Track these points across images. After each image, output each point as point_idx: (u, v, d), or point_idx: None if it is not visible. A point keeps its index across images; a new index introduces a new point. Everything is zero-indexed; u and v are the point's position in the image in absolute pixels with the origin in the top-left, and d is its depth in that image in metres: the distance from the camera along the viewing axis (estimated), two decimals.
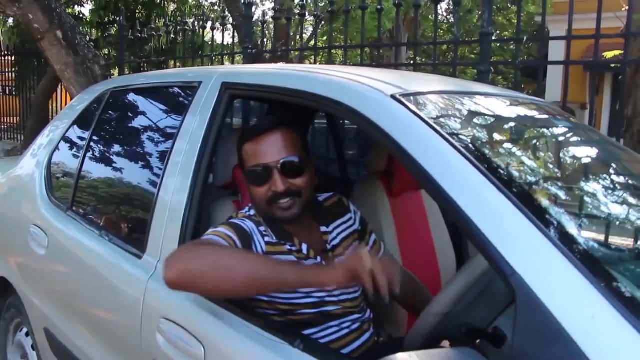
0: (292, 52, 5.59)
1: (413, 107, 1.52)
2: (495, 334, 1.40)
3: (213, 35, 5.66)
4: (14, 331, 3.07)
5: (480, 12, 14.98)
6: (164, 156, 2.12)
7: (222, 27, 5.63)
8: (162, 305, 1.82)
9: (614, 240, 1.49)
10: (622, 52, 3.32)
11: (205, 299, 1.67)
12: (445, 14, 20.14)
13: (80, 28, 8.40)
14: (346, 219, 1.98)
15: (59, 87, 8.83)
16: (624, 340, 1.03)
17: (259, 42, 7.18)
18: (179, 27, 6.16)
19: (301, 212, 1.79)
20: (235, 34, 6.05)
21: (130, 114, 2.77)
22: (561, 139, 2.07)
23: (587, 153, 2.07)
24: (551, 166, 1.81)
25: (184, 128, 2.06)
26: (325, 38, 16.56)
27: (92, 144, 2.69)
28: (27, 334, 2.88)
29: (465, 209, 1.26)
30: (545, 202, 1.40)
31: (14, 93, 11.20)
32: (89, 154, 2.67)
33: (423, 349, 1.45)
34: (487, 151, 1.57)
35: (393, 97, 1.56)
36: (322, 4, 11.19)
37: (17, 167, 3.18)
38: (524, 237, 1.19)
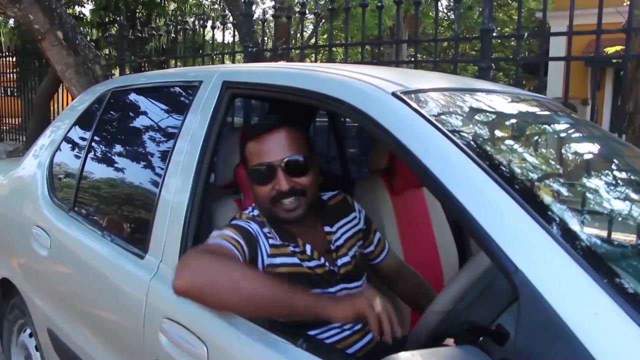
0: (293, 50, 5.58)
1: (414, 105, 1.51)
2: (498, 331, 1.40)
3: (213, 34, 5.66)
4: (17, 332, 3.08)
5: (480, 9, 14.96)
6: (165, 156, 2.12)
7: (222, 26, 5.63)
8: (165, 305, 1.82)
9: (617, 236, 1.48)
10: (624, 47, 3.31)
11: None
12: (445, 10, 20.10)
13: (81, 28, 8.41)
14: (350, 218, 1.97)
15: (60, 87, 8.84)
16: (627, 337, 1.03)
17: (260, 41, 7.17)
18: (179, 27, 6.17)
19: (306, 213, 1.77)
20: (236, 33, 6.05)
21: (131, 114, 2.77)
22: (563, 135, 2.07)
23: (589, 149, 2.07)
24: (553, 162, 1.81)
25: (185, 128, 2.06)
26: (325, 36, 16.54)
27: (93, 144, 2.69)
28: (30, 335, 2.89)
29: (467, 207, 1.25)
30: (547, 198, 1.40)
31: (15, 94, 11.21)
32: (91, 155, 2.67)
33: (426, 347, 1.44)
34: (488, 148, 1.57)
35: (394, 94, 1.55)
36: (322, 2, 11.18)
37: (19, 167, 3.18)
38: (526, 234, 1.19)
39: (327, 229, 1.88)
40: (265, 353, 1.46)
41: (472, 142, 1.49)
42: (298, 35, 7.34)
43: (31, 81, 10.23)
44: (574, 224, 1.32)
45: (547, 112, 2.14)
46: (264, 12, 5.39)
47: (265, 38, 7.43)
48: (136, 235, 2.24)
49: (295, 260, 1.75)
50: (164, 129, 2.35)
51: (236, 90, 2.01)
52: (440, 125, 1.44)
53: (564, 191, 1.55)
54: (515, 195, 1.25)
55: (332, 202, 1.98)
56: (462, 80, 2.37)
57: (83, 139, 2.78)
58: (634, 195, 1.80)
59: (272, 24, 5.99)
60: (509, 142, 1.77)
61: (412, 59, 5.57)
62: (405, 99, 1.53)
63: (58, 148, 2.93)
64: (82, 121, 2.87)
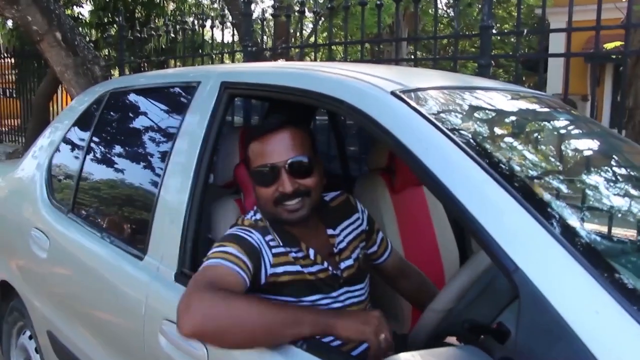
0: (293, 49, 5.58)
1: (413, 104, 1.51)
2: (499, 329, 1.40)
3: (213, 34, 5.65)
4: (17, 334, 3.07)
5: (480, 6, 14.95)
6: (164, 156, 2.11)
7: (221, 26, 5.62)
8: (164, 307, 1.81)
9: (617, 233, 1.48)
10: (623, 43, 3.31)
11: None
12: (445, 7, 20.10)
13: (80, 29, 8.41)
14: (353, 220, 1.93)
15: (59, 88, 8.83)
16: (628, 336, 1.03)
17: (259, 40, 7.16)
18: (178, 26, 6.16)
19: (310, 214, 1.73)
20: (235, 32, 6.04)
21: (130, 115, 2.77)
22: (562, 132, 2.06)
23: (588, 146, 2.06)
24: (553, 160, 1.80)
25: (184, 128, 2.05)
26: (325, 34, 16.53)
27: (92, 145, 2.68)
28: (30, 337, 2.88)
29: (467, 205, 1.25)
30: (547, 196, 1.40)
31: (14, 95, 11.20)
32: (90, 156, 2.67)
33: (427, 346, 1.44)
34: (488, 146, 1.56)
35: (393, 93, 1.55)
36: (321, 1, 11.18)
37: (18, 169, 3.18)
38: (526, 233, 1.18)
39: (329, 231, 1.84)
40: (266, 354, 1.45)
41: (471, 141, 1.48)
42: (297, 34, 7.34)
43: (30, 82, 10.23)
44: (574, 221, 1.31)
45: (546, 109, 2.13)
46: (263, 11, 5.39)
47: (265, 37, 7.43)
48: (135, 236, 2.24)
49: (297, 267, 1.70)
50: (163, 129, 2.35)
51: (235, 90, 2.00)
52: (439, 124, 1.43)
53: (564, 189, 1.55)
54: (515, 193, 1.24)
55: (335, 203, 1.94)
56: (461, 78, 2.36)
57: (82, 140, 2.78)
58: (633, 192, 1.79)
59: (271, 23, 5.97)
60: (508, 140, 1.76)
61: (412, 57, 5.56)
62: (404, 98, 1.53)
63: (57, 149, 2.93)
64: (81, 122, 2.87)
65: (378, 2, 4.25)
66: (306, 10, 4.92)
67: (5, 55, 10.83)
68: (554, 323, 1.05)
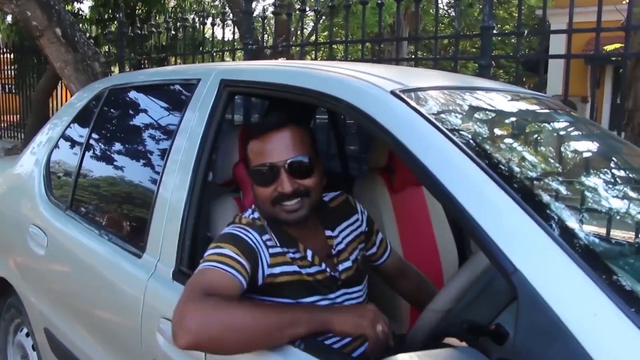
0: (293, 47, 5.57)
1: (413, 103, 1.50)
2: (497, 331, 1.40)
3: (213, 32, 5.65)
4: (14, 332, 3.07)
5: (481, 6, 14.94)
6: (163, 154, 2.11)
7: (222, 23, 5.61)
8: (162, 305, 1.81)
9: (616, 236, 1.48)
10: (623, 45, 3.31)
11: None
12: (446, 7, 20.11)
13: (80, 25, 8.38)
14: (352, 221, 1.91)
15: (59, 84, 8.82)
16: (626, 338, 1.03)
17: (260, 38, 7.16)
18: (179, 24, 6.14)
19: (309, 214, 1.70)
20: (236, 30, 6.04)
21: (129, 112, 2.76)
22: (562, 133, 2.06)
23: (588, 147, 2.06)
24: (552, 161, 1.80)
25: (183, 125, 2.05)
26: (326, 33, 16.53)
27: (91, 142, 2.68)
28: (27, 335, 2.88)
29: (466, 206, 1.25)
30: (546, 198, 1.39)
31: (13, 91, 11.18)
32: (88, 152, 2.66)
33: (425, 346, 1.44)
34: (488, 147, 1.56)
35: (393, 93, 1.54)
36: None
37: (17, 165, 3.17)
38: (525, 234, 1.18)
39: (328, 233, 1.82)
40: (263, 353, 1.44)
41: (471, 141, 1.48)
42: (298, 32, 7.33)
43: (29, 78, 10.21)
44: (573, 223, 1.31)
45: (546, 111, 2.13)
46: (264, 9, 5.38)
47: (266, 35, 7.42)
48: (134, 233, 2.23)
49: (294, 268, 1.69)
50: (162, 126, 2.34)
51: (234, 88, 2.00)
52: (439, 124, 1.43)
53: (563, 190, 1.54)
54: (514, 195, 1.24)
55: (334, 204, 1.92)
56: (461, 79, 2.36)
57: (81, 136, 2.77)
58: (632, 194, 1.79)
59: (272, 21, 5.97)
60: (508, 140, 1.76)
61: (413, 57, 5.56)
62: (404, 98, 1.52)
63: (56, 146, 2.92)
64: (80, 119, 2.86)
65: (379, 1, 4.25)
66: (307, 8, 4.90)
67: (5, 50, 10.80)
68: (552, 325, 1.05)
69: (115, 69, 7.01)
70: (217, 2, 17.89)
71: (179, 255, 1.86)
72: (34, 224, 2.71)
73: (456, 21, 5.18)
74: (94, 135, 2.70)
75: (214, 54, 6.09)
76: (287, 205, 1.66)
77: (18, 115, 10.96)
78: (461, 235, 2.63)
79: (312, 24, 16.60)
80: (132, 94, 2.72)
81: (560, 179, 1.61)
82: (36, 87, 9.38)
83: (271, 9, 5.04)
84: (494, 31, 3.74)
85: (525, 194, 1.30)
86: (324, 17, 12.73)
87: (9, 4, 5.77)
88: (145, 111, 2.59)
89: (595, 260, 1.17)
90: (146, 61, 6.86)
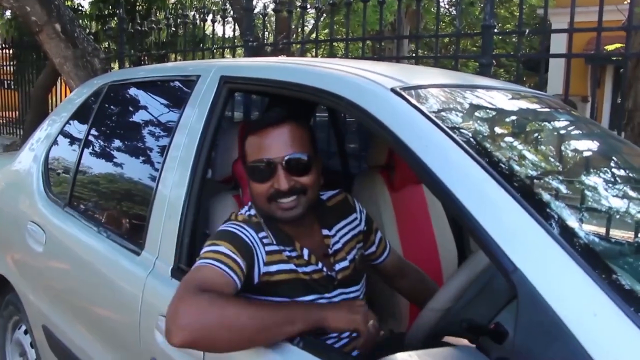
0: (294, 45, 5.56)
1: (413, 101, 1.50)
2: (496, 330, 1.39)
3: (214, 28, 5.64)
4: (12, 329, 3.06)
5: (482, 5, 14.93)
6: (162, 151, 2.10)
7: (223, 20, 5.60)
8: (161, 302, 1.80)
9: (617, 235, 1.47)
10: (623, 44, 3.30)
11: None
12: (447, 6, 20.10)
13: (80, 21, 8.37)
14: (350, 220, 1.89)
15: (58, 80, 8.80)
16: (626, 338, 1.02)
17: (260, 35, 7.14)
18: (179, 20, 6.13)
19: (305, 212, 1.68)
20: (236, 27, 6.03)
21: (128, 108, 2.76)
22: (563, 132, 2.06)
23: (588, 147, 2.06)
24: (553, 160, 1.80)
25: (182, 122, 2.04)
26: (326, 31, 16.52)
27: (89, 138, 2.67)
28: (25, 332, 2.87)
29: (466, 204, 1.24)
30: (547, 197, 1.39)
31: (12, 87, 11.16)
32: (87, 149, 2.65)
33: (424, 345, 1.43)
34: (488, 145, 1.55)
35: (393, 90, 1.54)
36: None
37: (15, 161, 3.16)
38: (525, 233, 1.17)
39: (325, 232, 1.80)
40: (262, 351, 1.44)
41: (471, 139, 1.47)
42: (299, 29, 7.32)
43: (29, 74, 10.18)
44: (573, 222, 1.30)
45: (547, 109, 2.12)
46: (265, 7, 5.38)
47: (266, 32, 7.41)
48: (132, 231, 2.23)
49: (291, 266, 1.67)
50: (161, 123, 2.34)
51: (234, 84, 1.99)
52: (439, 122, 1.42)
53: (563, 189, 1.54)
54: (514, 193, 1.24)
55: (332, 203, 1.89)
56: (462, 77, 2.35)
57: (79, 133, 2.76)
58: (632, 193, 1.79)
59: (272, 19, 5.96)
60: (508, 139, 1.75)
61: (413, 55, 5.55)
62: (404, 95, 1.51)
63: (54, 142, 2.91)
64: (79, 115, 2.85)
65: None
66: (308, 6, 4.89)
67: (4, 46, 10.78)
68: (552, 324, 1.05)
69: (115, 66, 6.99)
70: None
71: (177, 252, 1.85)
72: (32, 221, 2.70)
73: (457, 20, 5.18)
74: (93, 132, 2.69)
75: (214, 51, 6.08)
76: (283, 202, 1.64)
77: (17, 111, 10.93)
78: (461, 234, 2.62)
79: (312, 21, 16.59)
80: (132, 90, 2.71)
81: (560, 177, 1.61)
82: (35, 83, 9.36)
83: (272, 6, 5.04)
84: (495, 30, 3.73)
85: (526, 193, 1.30)
86: (324, 15, 12.71)
87: None
88: (144, 107, 2.58)
89: (595, 260, 1.16)
90: (146, 58, 6.85)
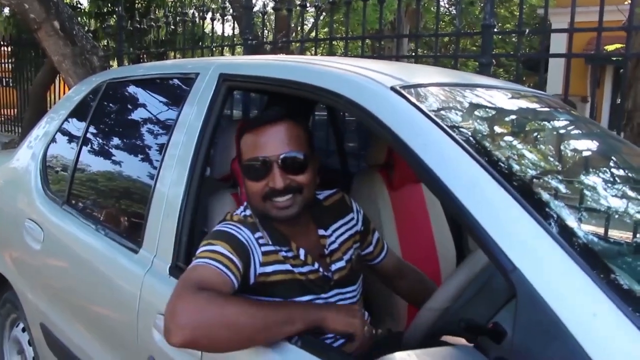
0: (293, 43, 5.55)
1: (413, 99, 1.49)
2: (494, 329, 1.39)
3: (213, 26, 5.62)
4: (10, 327, 3.05)
5: (482, 4, 14.92)
6: (160, 149, 2.09)
7: (222, 18, 5.60)
8: (159, 301, 1.79)
9: (617, 235, 1.47)
10: (623, 45, 3.30)
11: None
12: (447, 5, 20.09)
13: (78, 18, 8.34)
14: (347, 220, 1.88)
15: (57, 78, 8.79)
16: (625, 339, 1.02)
17: (260, 34, 7.14)
18: (178, 18, 6.12)
19: (300, 212, 1.67)
20: (236, 25, 6.02)
21: (127, 106, 2.75)
22: (562, 131, 2.05)
23: (588, 146, 2.05)
24: (552, 160, 1.79)
25: (181, 120, 2.03)
26: (326, 29, 16.50)
27: (88, 136, 2.66)
28: (23, 330, 2.87)
29: (466, 204, 1.23)
30: (546, 196, 1.38)
31: (11, 84, 11.14)
32: (85, 147, 2.64)
33: (422, 345, 1.43)
34: (487, 144, 1.55)
35: (393, 89, 1.53)
36: None
37: (13, 159, 3.15)
38: (525, 233, 1.17)
39: (321, 232, 1.78)
40: (260, 350, 1.44)
41: (471, 138, 1.47)
42: (298, 28, 7.31)
43: (27, 71, 10.16)
44: (573, 222, 1.30)
45: (546, 109, 2.12)
46: (264, 5, 5.37)
47: (266, 31, 7.40)
48: (130, 229, 2.22)
49: (287, 267, 1.66)
50: (159, 121, 2.33)
51: (233, 82, 1.98)
52: (439, 121, 1.42)
53: (563, 189, 1.53)
54: (514, 192, 1.23)
55: (328, 203, 1.88)
56: (461, 76, 2.35)
57: (78, 130, 2.75)
58: (632, 194, 1.78)
59: (272, 17, 5.94)
60: (508, 138, 1.75)
61: (413, 54, 5.54)
62: (404, 94, 1.51)
63: (52, 139, 2.90)
64: (77, 112, 2.84)
65: None
66: (308, 4, 4.88)
67: (2, 43, 10.76)
68: (551, 324, 1.04)
69: (114, 63, 6.98)
70: None
71: (175, 251, 1.84)
72: (30, 219, 2.69)
73: (457, 19, 5.17)
74: (91, 130, 2.68)
75: (214, 49, 6.07)
76: (279, 201, 1.63)
77: (15, 109, 10.91)
78: (459, 233, 2.61)
79: (312, 20, 16.57)
80: (130, 88, 2.70)
81: (560, 177, 1.61)
82: (34, 80, 9.35)
83: (271, 4, 5.03)
84: (495, 29, 3.73)
85: (525, 192, 1.29)
86: (324, 13, 12.70)
87: None
88: (143, 105, 2.58)
89: (595, 260, 1.16)
90: (145, 56, 6.83)
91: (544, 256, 1.13)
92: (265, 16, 5.57)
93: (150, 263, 1.91)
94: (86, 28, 9.58)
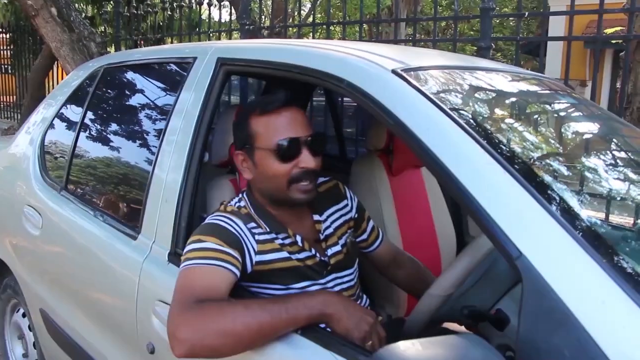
0: (290, 28, 5.51)
1: (415, 82, 1.47)
2: (497, 316, 1.38)
3: (210, 12, 5.57)
4: (10, 312, 3.06)
5: None
6: (158, 134, 2.07)
7: (219, 3, 5.55)
8: (158, 287, 1.79)
9: (625, 221, 1.45)
10: (623, 28, 3.28)
11: None
12: None
13: (75, 5, 8.30)
14: (341, 206, 1.87)
15: (55, 64, 8.75)
16: (636, 326, 1.00)
17: (257, 19, 7.09)
18: (175, 4, 6.08)
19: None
20: (233, 10, 5.97)
21: (124, 91, 2.72)
22: (565, 114, 2.03)
23: (592, 129, 2.03)
24: (556, 142, 1.77)
25: (178, 105, 2.01)
26: (323, 14, 16.43)
27: (85, 121, 2.63)
28: (23, 315, 2.87)
29: (469, 188, 1.21)
30: (552, 180, 1.36)
31: (9, 71, 11.12)
32: (83, 132, 2.62)
33: (424, 331, 1.42)
34: (490, 127, 1.53)
35: (394, 72, 1.51)
36: None
37: (12, 145, 3.13)
38: (530, 218, 1.14)
39: (316, 217, 1.77)
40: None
41: (473, 121, 1.45)
42: (295, 13, 7.27)
43: (26, 58, 10.14)
44: (580, 207, 1.27)
45: (548, 91, 2.10)
46: None
47: (262, 16, 7.35)
48: (129, 215, 2.20)
49: (285, 254, 1.64)
50: (157, 106, 2.30)
51: (231, 66, 1.95)
52: (441, 104, 1.40)
53: (569, 173, 1.51)
54: (518, 176, 1.21)
55: (322, 189, 1.85)
56: (463, 58, 2.32)
57: (76, 115, 2.73)
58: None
59: (269, 2, 5.90)
60: (510, 121, 1.73)
61: (411, 38, 5.51)
62: (405, 77, 1.49)
63: (50, 125, 2.88)
64: (75, 98, 2.82)
65: None
66: None
67: (1, 30, 10.72)
68: (557, 312, 1.02)
69: (112, 50, 6.95)
70: None
71: (174, 237, 1.83)
72: (28, 205, 2.67)
73: (455, 3, 5.13)
74: (89, 115, 2.65)
75: (211, 34, 6.04)
76: (305, 184, 1.61)
77: (14, 96, 10.90)
78: (459, 218, 2.60)
79: (309, 4, 16.49)
80: (128, 73, 2.67)
81: (564, 160, 1.58)
82: (32, 67, 9.32)
83: None
84: (494, 12, 3.69)
85: (530, 176, 1.27)
86: None
87: None
88: (140, 90, 2.55)
89: (603, 246, 1.14)
90: (142, 42, 6.78)
91: (550, 242, 1.11)
92: (262, 1, 5.52)
93: (149, 249, 1.89)
94: (83, 14, 9.53)
